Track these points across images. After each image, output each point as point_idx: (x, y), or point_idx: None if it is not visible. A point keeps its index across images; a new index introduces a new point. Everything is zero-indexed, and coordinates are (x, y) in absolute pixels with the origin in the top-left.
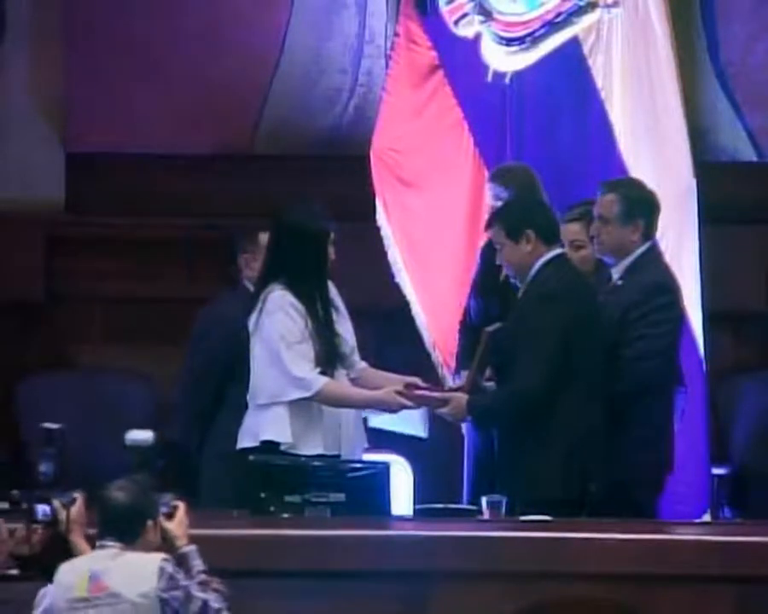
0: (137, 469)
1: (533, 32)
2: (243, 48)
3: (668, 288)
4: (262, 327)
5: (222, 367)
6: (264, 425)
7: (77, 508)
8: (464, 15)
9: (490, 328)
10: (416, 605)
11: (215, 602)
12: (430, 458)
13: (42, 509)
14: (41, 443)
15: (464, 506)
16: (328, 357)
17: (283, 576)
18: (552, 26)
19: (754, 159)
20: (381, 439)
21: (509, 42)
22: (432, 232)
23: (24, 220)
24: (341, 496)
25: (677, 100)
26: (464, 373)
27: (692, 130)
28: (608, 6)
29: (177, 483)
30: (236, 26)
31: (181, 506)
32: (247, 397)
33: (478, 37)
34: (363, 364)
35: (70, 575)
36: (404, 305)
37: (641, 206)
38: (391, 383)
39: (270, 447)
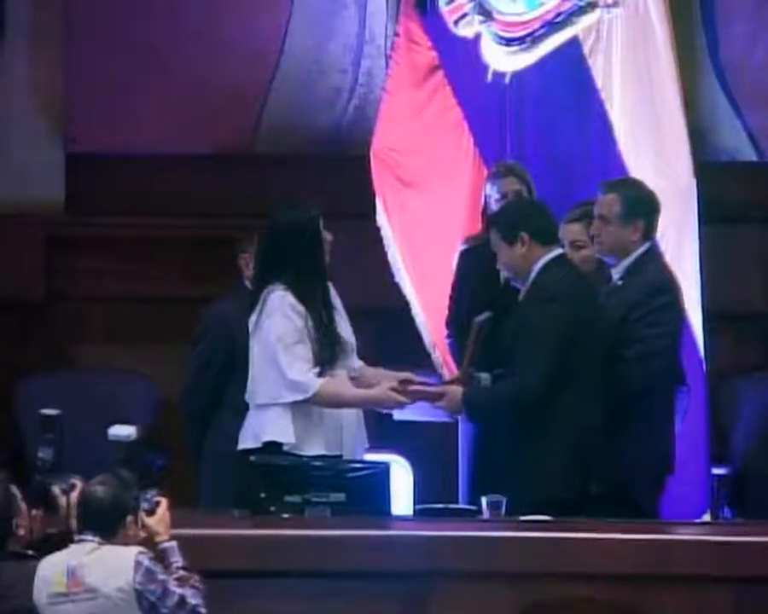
0: (120, 464)
1: (533, 32)
2: (243, 48)
3: (668, 288)
4: (261, 327)
5: (221, 367)
6: (267, 425)
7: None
8: (464, 15)
9: (479, 318)
10: (416, 605)
11: (192, 598)
12: (430, 458)
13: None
14: (40, 430)
15: (464, 506)
16: (329, 358)
17: (283, 576)
18: (552, 26)
19: (754, 159)
20: (381, 439)
21: (508, 42)
22: (432, 232)
23: (24, 220)
24: (341, 496)
25: (677, 100)
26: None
27: (692, 130)
28: (607, 6)
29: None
30: (236, 26)
31: (163, 502)
32: (246, 397)
33: (478, 37)
34: (361, 363)
35: (49, 569)
36: (404, 305)
37: (641, 206)
38: (387, 380)
39: (272, 448)
